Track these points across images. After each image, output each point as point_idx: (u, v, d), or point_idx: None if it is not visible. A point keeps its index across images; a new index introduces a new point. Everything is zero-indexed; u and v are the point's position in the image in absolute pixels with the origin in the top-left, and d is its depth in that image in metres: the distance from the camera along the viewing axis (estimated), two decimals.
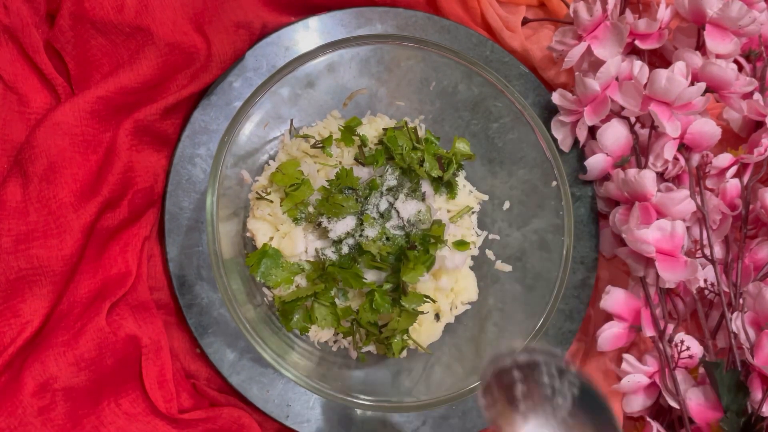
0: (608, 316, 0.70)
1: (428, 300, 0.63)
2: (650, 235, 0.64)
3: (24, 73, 0.63)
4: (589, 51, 0.69)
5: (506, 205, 0.69)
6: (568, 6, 0.73)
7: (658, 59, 0.75)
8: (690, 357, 0.66)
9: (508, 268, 0.68)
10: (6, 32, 0.63)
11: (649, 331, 0.66)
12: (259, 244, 0.64)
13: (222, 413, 0.64)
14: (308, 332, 0.64)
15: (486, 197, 0.70)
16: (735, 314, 0.65)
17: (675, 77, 0.63)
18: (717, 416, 0.63)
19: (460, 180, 0.69)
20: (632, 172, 0.65)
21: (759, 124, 0.71)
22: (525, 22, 0.75)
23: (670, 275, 0.64)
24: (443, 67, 0.66)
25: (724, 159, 0.68)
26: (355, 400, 0.59)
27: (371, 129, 0.68)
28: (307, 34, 0.70)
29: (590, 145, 0.71)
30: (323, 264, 0.63)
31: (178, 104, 0.66)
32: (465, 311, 0.68)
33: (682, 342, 0.66)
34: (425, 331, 0.65)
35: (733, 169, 0.69)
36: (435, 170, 0.65)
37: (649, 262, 0.65)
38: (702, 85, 0.65)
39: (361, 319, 0.62)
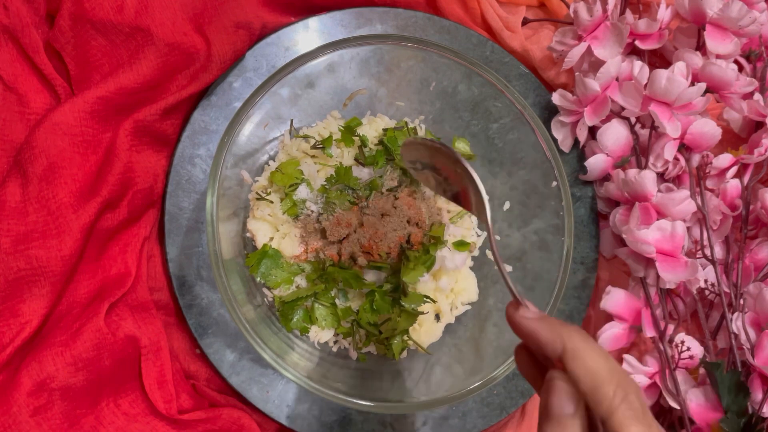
0: (608, 317, 0.69)
1: (428, 300, 0.63)
2: (650, 236, 0.63)
3: (24, 73, 0.63)
4: (589, 51, 0.69)
5: (506, 205, 0.69)
6: (568, 6, 0.73)
7: (658, 59, 0.75)
8: (690, 357, 0.65)
9: (508, 268, 0.68)
10: (6, 32, 0.62)
11: (649, 332, 0.66)
12: (259, 244, 0.64)
13: (222, 414, 0.63)
14: (308, 333, 0.64)
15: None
16: (735, 315, 0.65)
17: (675, 77, 0.63)
18: (717, 417, 0.63)
19: None
20: (632, 172, 0.65)
21: (759, 125, 0.71)
22: (525, 22, 0.75)
23: (670, 276, 0.64)
24: (443, 68, 0.66)
25: (725, 159, 0.68)
26: (355, 401, 0.59)
27: (371, 129, 0.68)
28: (307, 34, 0.70)
29: (590, 146, 0.71)
30: (323, 264, 0.63)
31: (178, 104, 0.66)
32: (465, 311, 0.68)
33: (682, 342, 0.66)
34: (425, 331, 0.65)
35: (734, 170, 0.69)
36: None
37: (649, 262, 0.65)
38: (702, 86, 0.65)
39: (361, 319, 0.62)
